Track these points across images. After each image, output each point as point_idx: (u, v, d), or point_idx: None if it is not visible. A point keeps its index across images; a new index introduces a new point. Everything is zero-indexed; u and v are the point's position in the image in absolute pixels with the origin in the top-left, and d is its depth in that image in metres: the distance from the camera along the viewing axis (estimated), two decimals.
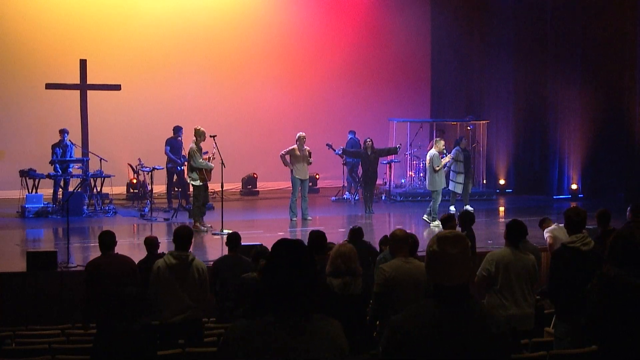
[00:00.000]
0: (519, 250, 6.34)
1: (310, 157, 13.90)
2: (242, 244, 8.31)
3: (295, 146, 13.82)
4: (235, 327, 2.77)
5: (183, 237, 6.49)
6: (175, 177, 15.54)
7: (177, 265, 6.36)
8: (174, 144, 15.25)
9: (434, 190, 13.52)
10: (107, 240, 7.05)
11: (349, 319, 5.36)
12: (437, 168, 13.40)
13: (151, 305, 6.43)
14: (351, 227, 8.21)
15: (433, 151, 13.63)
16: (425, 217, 13.50)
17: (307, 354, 2.68)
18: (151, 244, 7.96)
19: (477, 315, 2.84)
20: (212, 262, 8.30)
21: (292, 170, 13.86)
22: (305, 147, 13.88)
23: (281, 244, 2.82)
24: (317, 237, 6.54)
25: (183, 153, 15.21)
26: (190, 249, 6.64)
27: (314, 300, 2.75)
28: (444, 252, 2.86)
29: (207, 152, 12.95)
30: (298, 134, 13.95)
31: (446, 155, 13.85)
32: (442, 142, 13.84)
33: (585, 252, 5.74)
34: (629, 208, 8.20)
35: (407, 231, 6.31)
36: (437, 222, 12.66)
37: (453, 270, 2.85)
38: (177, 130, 15.30)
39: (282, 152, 13.91)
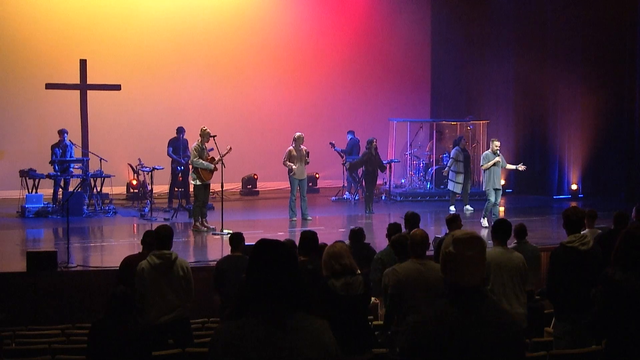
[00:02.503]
0: (508, 249, 6.38)
1: (307, 157, 13.89)
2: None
3: (291, 147, 13.81)
4: (220, 329, 2.81)
5: (164, 236, 6.47)
6: (180, 177, 15.50)
7: (161, 265, 6.35)
8: (176, 144, 15.23)
9: (485, 189, 13.38)
10: (148, 240, 7.03)
11: (351, 319, 5.36)
12: (483, 167, 13.34)
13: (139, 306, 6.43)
14: (352, 228, 8.17)
15: (486, 151, 13.47)
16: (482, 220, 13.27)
17: (289, 352, 2.69)
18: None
19: (494, 315, 2.88)
20: (214, 263, 8.29)
21: (289, 170, 13.85)
22: (302, 147, 13.87)
23: (260, 244, 2.85)
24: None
25: (189, 153, 15.21)
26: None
27: (296, 299, 2.77)
28: (460, 254, 2.88)
29: (212, 149, 12.78)
30: (295, 134, 13.94)
31: (497, 155, 13.18)
32: (498, 143, 13.35)
33: (584, 252, 5.75)
34: (634, 208, 8.19)
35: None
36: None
37: (470, 272, 2.88)
38: (179, 131, 15.29)
39: (283, 160, 13.83)
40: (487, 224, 12.72)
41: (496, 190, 13.10)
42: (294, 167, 13.75)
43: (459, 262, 2.88)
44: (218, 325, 2.89)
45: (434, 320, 2.88)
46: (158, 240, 6.48)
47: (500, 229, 6.39)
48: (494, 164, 13.06)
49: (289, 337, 2.71)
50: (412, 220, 8.07)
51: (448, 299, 2.90)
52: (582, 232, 6.01)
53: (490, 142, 13.51)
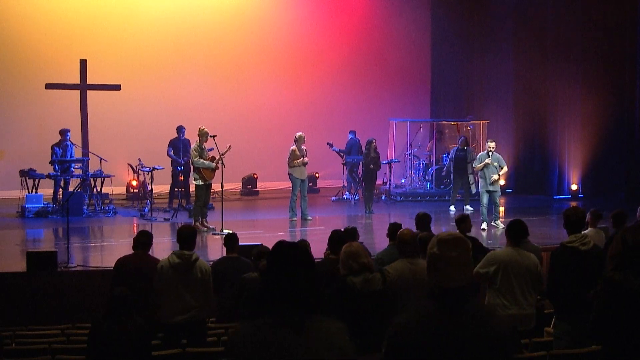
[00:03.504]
0: (521, 250, 6.35)
1: (306, 156, 13.89)
2: (243, 244, 8.30)
3: (294, 147, 13.82)
4: (238, 330, 2.81)
5: (187, 237, 6.50)
6: (181, 177, 15.47)
7: (180, 265, 6.37)
8: (176, 144, 15.21)
9: (479, 191, 13.14)
10: (140, 240, 7.03)
11: (370, 316, 5.38)
12: (475, 168, 13.19)
13: (154, 304, 6.44)
14: (345, 227, 8.16)
15: (482, 152, 13.21)
16: (493, 222, 12.91)
17: (304, 354, 2.69)
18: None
19: (479, 317, 2.85)
20: (211, 263, 8.28)
21: (291, 171, 13.84)
22: (303, 146, 13.88)
23: (280, 246, 2.85)
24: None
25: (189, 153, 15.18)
26: (172, 248, 6.63)
27: (313, 301, 2.77)
28: (443, 255, 2.87)
29: (212, 149, 12.78)
30: (296, 134, 13.94)
31: (489, 156, 12.79)
32: (491, 144, 12.94)
33: (584, 252, 5.75)
34: (639, 208, 8.21)
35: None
36: (499, 223, 12.64)
37: (453, 273, 2.86)
38: (179, 129, 15.27)
39: (289, 160, 13.81)
40: (485, 227, 12.63)
41: (490, 192, 12.74)
42: (305, 159, 13.74)
43: (443, 263, 2.87)
44: (235, 326, 2.89)
45: (417, 321, 2.86)
46: (180, 240, 6.52)
47: (511, 229, 6.38)
48: (485, 166, 12.75)
49: (305, 340, 2.71)
50: (423, 220, 8.14)
51: (432, 300, 2.89)
52: (585, 231, 6.01)
53: (487, 142, 13.33)
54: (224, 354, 2.84)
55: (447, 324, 2.81)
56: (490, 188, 12.75)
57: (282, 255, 2.80)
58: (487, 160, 12.76)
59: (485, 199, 12.80)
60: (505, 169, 13.07)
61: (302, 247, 2.86)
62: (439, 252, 2.88)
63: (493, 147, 12.90)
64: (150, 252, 7.71)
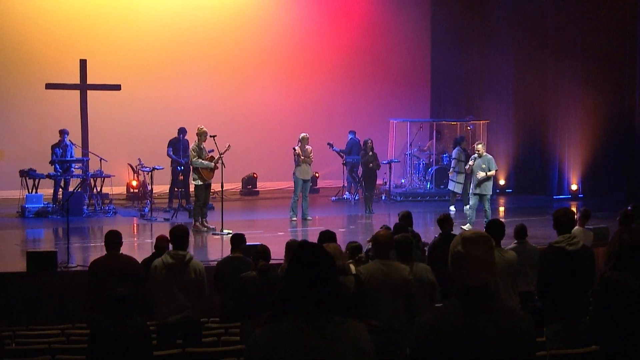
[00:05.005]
0: (500, 248, 6.42)
1: (311, 154, 13.92)
2: None
3: (297, 147, 13.85)
4: (257, 335, 2.80)
5: (179, 237, 6.50)
6: (181, 177, 15.47)
7: (174, 265, 6.37)
8: (176, 144, 15.21)
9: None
10: (113, 239, 7.03)
11: None
12: (466, 169, 13.19)
13: (148, 304, 6.44)
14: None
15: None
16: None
17: (327, 355, 2.70)
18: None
19: (503, 314, 2.89)
20: (214, 263, 8.29)
21: (295, 171, 13.88)
22: (308, 146, 13.91)
23: (303, 248, 2.85)
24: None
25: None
26: (190, 249, 6.62)
27: (334, 302, 2.78)
28: (468, 253, 2.89)
29: (212, 150, 12.79)
30: (301, 135, 13.97)
31: (475, 158, 12.57)
32: (478, 146, 12.68)
33: (572, 252, 5.71)
34: (631, 206, 8.21)
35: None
36: (467, 225, 12.40)
37: (478, 271, 2.88)
38: (181, 131, 15.25)
39: (295, 159, 13.87)
40: (467, 226, 12.48)
41: (477, 195, 12.48)
42: (310, 158, 13.76)
43: (468, 261, 2.88)
44: (256, 329, 2.87)
45: (442, 320, 2.89)
46: (172, 240, 6.52)
47: (490, 229, 6.42)
48: (471, 168, 12.57)
49: (328, 342, 2.71)
50: (406, 219, 8.17)
51: (456, 299, 2.91)
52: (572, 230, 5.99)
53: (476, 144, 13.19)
54: (244, 356, 2.83)
55: (472, 321, 2.84)
56: (477, 191, 12.51)
57: (305, 257, 2.80)
58: (471, 162, 12.63)
59: (472, 201, 12.64)
60: (492, 172, 12.59)
61: (325, 249, 2.86)
62: (463, 251, 2.89)
63: (480, 150, 12.61)
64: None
